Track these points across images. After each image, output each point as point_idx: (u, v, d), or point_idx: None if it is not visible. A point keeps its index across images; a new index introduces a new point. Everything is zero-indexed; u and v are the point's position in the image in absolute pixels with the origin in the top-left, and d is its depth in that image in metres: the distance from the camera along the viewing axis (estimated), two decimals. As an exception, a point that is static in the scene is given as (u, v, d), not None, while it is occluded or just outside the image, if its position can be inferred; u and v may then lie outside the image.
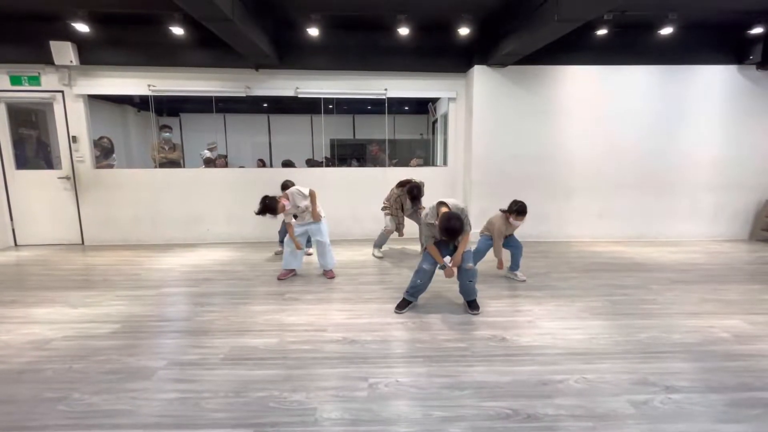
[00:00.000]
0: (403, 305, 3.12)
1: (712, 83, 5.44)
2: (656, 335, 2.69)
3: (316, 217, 3.82)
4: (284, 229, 4.20)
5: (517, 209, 3.63)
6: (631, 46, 5.30)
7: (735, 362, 2.36)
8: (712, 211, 5.70)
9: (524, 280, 3.85)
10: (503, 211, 3.73)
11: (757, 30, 4.95)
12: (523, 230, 5.53)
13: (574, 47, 5.14)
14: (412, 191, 4.42)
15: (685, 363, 2.35)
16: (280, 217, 3.75)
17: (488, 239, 3.83)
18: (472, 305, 3.11)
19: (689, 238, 5.69)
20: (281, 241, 4.60)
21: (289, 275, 3.94)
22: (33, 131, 5.50)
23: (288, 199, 3.66)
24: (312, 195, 3.75)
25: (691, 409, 1.93)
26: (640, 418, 1.86)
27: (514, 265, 3.91)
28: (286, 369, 2.28)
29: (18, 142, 5.37)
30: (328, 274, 3.96)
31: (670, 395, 2.03)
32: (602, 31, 4.89)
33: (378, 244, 4.83)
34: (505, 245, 3.87)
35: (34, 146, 5.51)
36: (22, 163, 5.41)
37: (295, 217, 3.82)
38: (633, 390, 2.07)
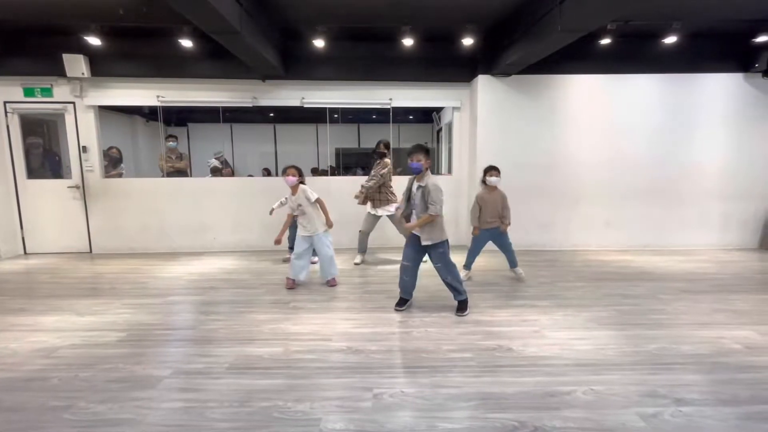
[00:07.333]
0: (401, 303, 3.34)
1: (717, 91, 5.42)
2: (666, 346, 2.65)
3: (330, 224, 3.92)
4: (293, 235, 4.23)
5: (485, 169, 3.96)
6: (636, 55, 5.31)
7: (747, 374, 2.31)
8: (721, 219, 5.63)
9: (521, 275, 4.09)
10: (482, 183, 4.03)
11: (763, 38, 4.96)
12: (529, 238, 5.57)
13: (578, 56, 5.15)
14: (378, 147, 4.64)
15: (696, 375, 2.30)
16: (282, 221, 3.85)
17: (476, 239, 4.03)
18: (460, 306, 3.24)
19: (698, 247, 5.61)
20: (290, 248, 4.62)
21: (294, 285, 3.94)
22: (42, 141, 5.60)
23: (293, 176, 3.77)
24: (320, 203, 3.86)
25: (703, 422, 1.89)
26: (650, 431, 1.82)
27: (512, 263, 4.10)
28: (290, 378, 2.27)
29: (28, 152, 5.47)
30: (331, 282, 3.98)
31: (680, 408, 1.99)
32: (606, 41, 4.90)
33: (360, 250, 4.86)
34: (500, 247, 4.08)
35: (41, 157, 5.60)
36: (32, 172, 5.50)
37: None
38: (642, 402, 2.03)
